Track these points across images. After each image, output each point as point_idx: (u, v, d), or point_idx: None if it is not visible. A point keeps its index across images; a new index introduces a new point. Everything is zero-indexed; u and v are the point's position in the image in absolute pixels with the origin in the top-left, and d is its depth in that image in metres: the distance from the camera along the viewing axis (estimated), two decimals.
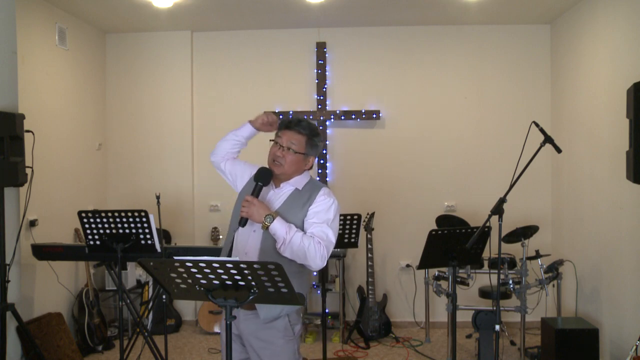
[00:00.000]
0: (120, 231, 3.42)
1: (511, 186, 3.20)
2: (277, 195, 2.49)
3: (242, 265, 1.91)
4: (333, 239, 2.40)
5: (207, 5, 4.86)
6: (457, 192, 5.51)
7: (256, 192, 2.41)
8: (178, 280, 2.05)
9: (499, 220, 3.11)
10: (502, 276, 4.30)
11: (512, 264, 4.48)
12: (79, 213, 3.43)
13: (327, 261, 2.63)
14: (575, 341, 3.93)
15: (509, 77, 5.49)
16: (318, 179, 5.35)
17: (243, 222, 2.39)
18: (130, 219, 3.39)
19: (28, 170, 3.56)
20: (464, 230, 3.61)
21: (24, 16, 4.26)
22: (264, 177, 2.43)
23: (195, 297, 2.16)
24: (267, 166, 2.50)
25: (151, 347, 3.85)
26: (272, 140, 2.51)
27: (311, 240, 2.33)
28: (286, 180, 2.50)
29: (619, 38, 4.08)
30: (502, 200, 3.13)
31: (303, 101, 5.59)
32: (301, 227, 2.41)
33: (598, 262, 4.39)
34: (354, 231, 4.38)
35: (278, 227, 2.32)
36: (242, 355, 2.50)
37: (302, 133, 2.44)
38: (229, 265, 1.91)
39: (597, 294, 4.39)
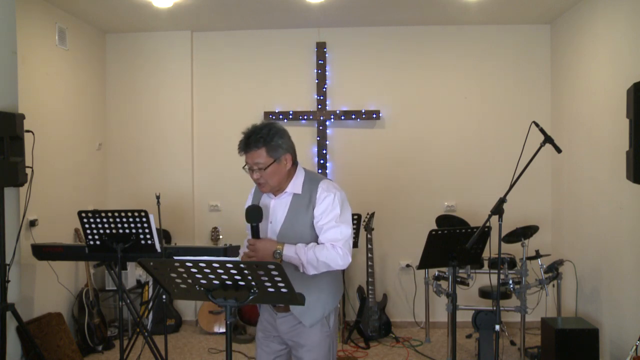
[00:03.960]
0: (120, 231, 3.42)
1: (511, 186, 3.20)
2: (280, 203, 2.47)
3: (242, 265, 1.91)
4: (348, 230, 2.37)
5: (207, 5, 4.86)
6: (457, 192, 5.51)
7: (255, 233, 2.39)
8: (178, 280, 2.06)
9: (499, 220, 3.11)
10: (502, 276, 4.30)
11: (512, 264, 4.48)
12: (79, 213, 3.43)
13: None
14: (575, 341, 3.93)
15: (509, 77, 5.49)
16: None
17: None
18: (130, 219, 3.39)
19: (28, 170, 3.56)
20: (464, 230, 3.61)
21: (24, 16, 4.26)
22: (255, 216, 2.39)
23: (195, 297, 2.16)
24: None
25: (151, 347, 3.85)
26: (245, 167, 2.46)
27: (324, 249, 2.32)
28: (283, 189, 2.46)
29: (619, 38, 4.08)
30: (502, 200, 3.14)
31: (303, 101, 5.59)
32: (312, 230, 2.39)
33: (598, 262, 4.39)
34: (353, 231, 4.39)
35: (290, 255, 2.32)
36: (281, 353, 2.54)
37: (258, 148, 2.36)
38: (229, 265, 1.92)
39: (597, 294, 4.39)
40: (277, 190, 2.46)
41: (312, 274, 2.36)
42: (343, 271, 5.19)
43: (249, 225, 2.55)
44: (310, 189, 2.43)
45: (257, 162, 2.37)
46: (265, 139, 2.36)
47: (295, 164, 2.48)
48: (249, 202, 2.62)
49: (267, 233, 2.46)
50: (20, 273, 3.75)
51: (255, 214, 2.39)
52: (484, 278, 4.84)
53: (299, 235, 2.38)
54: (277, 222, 2.44)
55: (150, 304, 4.77)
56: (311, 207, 2.39)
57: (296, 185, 2.45)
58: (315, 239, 2.40)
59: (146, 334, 3.91)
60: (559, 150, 3.25)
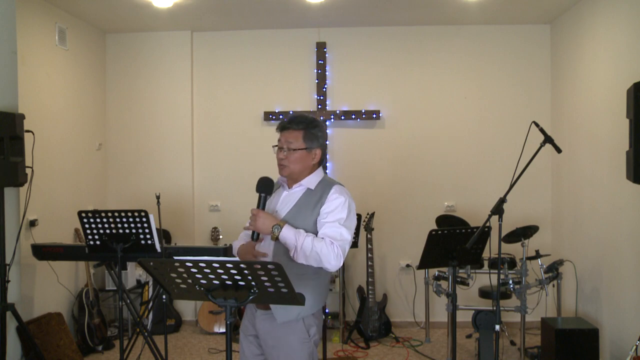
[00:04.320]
0: (120, 231, 3.42)
1: (511, 186, 3.20)
2: (290, 196, 2.47)
3: (242, 265, 1.91)
4: (348, 236, 2.36)
5: (207, 5, 4.86)
6: (457, 192, 5.51)
7: (261, 204, 2.39)
8: (178, 280, 2.05)
9: (499, 220, 3.11)
10: (502, 276, 4.30)
11: (512, 264, 4.48)
12: (79, 213, 3.42)
13: None
14: (575, 341, 3.93)
15: (509, 77, 5.49)
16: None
17: (255, 236, 2.38)
18: (130, 219, 3.39)
19: (28, 170, 3.56)
20: (464, 230, 3.61)
21: (24, 16, 4.26)
22: (265, 187, 2.40)
23: (195, 297, 2.16)
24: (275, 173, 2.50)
25: (151, 347, 3.85)
26: (274, 146, 2.49)
27: (322, 242, 2.30)
28: (299, 181, 2.47)
29: (619, 38, 4.08)
30: (502, 200, 3.14)
31: (303, 101, 5.59)
32: (314, 228, 2.38)
33: (598, 262, 4.39)
34: (354, 236, 4.38)
35: (287, 235, 2.30)
36: (258, 358, 2.51)
37: (297, 129, 2.40)
38: (229, 265, 1.91)
39: (597, 294, 4.39)
40: (293, 180, 2.47)
41: (299, 271, 2.33)
42: (343, 273, 5.22)
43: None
44: (324, 188, 2.43)
45: (290, 142, 2.40)
46: (306, 124, 2.41)
47: (320, 163, 2.51)
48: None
49: None
50: (20, 273, 3.75)
51: (265, 185, 2.41)
52: (484, 278, 4.84)
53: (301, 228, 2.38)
54: (283, 213, 2.44)
55: (150, 304, 4.77)
56: (319, 205, 2.39)
57: (312, 181, 2.46)
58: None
59: (146, 334, 3.91)
60: (559, 150, 3.25)
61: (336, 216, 2.36)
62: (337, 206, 2.37)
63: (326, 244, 2.30)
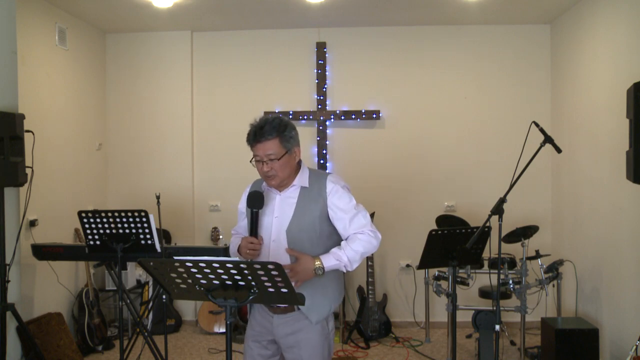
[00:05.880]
0: (120, 231, 3.42)
1: (511, 186, 3.20)
2: (287, 199, 2.46)
3: (242, 265, 1.91)
4: (366, 212, 2.45)
5: (207, 5, 4.86)
6: (457, 192, 5.51)
7: (255, 220, 2.40)
8: (178, 280, 2.05)
9: (499, 220, 3.11)
10: (502, 276, 4.30)
11: (512, 264, 4.48)
12: (79, 213, 3.42)
13: None
14: (575, 341, 3.93)
15: (509, 77, 5.49)
16: None
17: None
18: (130, 219, 3.39)
19: (28, 170, 3.56)
20: (464, 230, 3.61)
21: (24, 16, 4.26)
22: (257, 202, 2.40)
23: (195, 297, 2.16)
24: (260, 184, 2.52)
25: (151, 347, 3.85)
26: (252, 160, 2.44)
27: (355, 240, 2.38)
28: (289, 183, 2.46)
29: (619, 38, 4.08)
30: (502, 200, 3.14)
31: (303, 101, 5.59)
32: (319, 222, 2.40)
33: (598, 262, 4.39)
34: None
35: (331, 265, 2.35)
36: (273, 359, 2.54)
37: (272, 137, 2.34)
38: (229, 265, 1.91)
39: (597, 294, 4.39)
40: (282, 185, 2.45)
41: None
42: (343, 273, 5.21)
43: (243, 216, 2.59)
44: (318, 182, 2.45)
45: (270, 154, 2.36)
46: (278, 129, 2.37)
47: (299, 159, 2.51)
48: (243, 202, 2.61)
49: (272, 228, 2.44)
50: (20, 273, 3.75)
51: (257, 200, 2.41)
52: (484, 278, 4.84)
53: (309, 227, 2.39)
54: (285, 216, 2.43)
55: (150, 304, 4.77)
56: (321, 199, 2.41)
57: (303, 179, 2.47)
58: (323, 230, 2.42)
59: (146, 334, 3.91)
60: (559, 150, 3.25)
61: (350, 206, 2.43)
62: (344, 199, 2.42)
63: (359, 239, 2.38)
